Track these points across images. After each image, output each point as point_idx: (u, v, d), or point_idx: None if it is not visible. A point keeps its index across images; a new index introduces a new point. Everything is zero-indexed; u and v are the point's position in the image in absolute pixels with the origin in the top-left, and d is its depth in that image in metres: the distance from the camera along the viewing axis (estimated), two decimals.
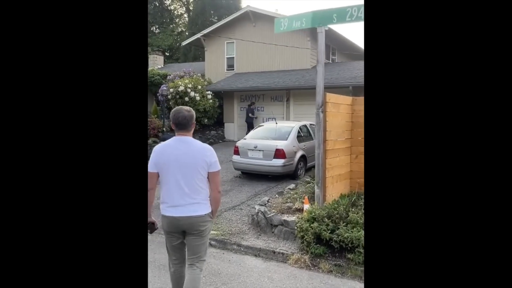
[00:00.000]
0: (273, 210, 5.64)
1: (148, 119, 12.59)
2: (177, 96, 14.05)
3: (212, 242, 4.99)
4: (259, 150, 8.30)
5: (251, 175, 8.74)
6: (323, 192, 5.09)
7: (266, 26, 15.04)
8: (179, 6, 32.74)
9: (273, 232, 5.25)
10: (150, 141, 11.60)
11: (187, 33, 26.96)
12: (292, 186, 7.20)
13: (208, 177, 2.74)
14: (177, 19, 32.76)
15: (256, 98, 14.91)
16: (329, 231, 4.35)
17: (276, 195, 6.68)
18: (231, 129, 15.60)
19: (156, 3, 30.24)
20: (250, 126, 13.77)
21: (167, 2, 31.58)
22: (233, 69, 16.40)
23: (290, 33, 14.50)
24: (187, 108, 2.78)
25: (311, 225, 4.48)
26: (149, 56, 20.99)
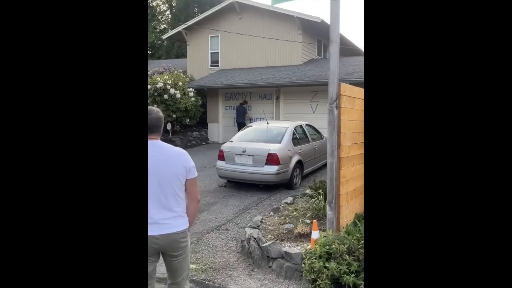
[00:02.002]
0: (269, 236, 4.35)
1: None
2: (155, 94, 12.67)
3: (190, 284, 3.65)
4: (248, 155, 7.00)
5: (238, 184, 7.41)
6: (337, 214, 3.82)
7: (253, 19, 13.85)
8: (161, 3, 31.28)
9: (270, 267, 3.95)
10: None
11: (169, 30, 25.66)
12: (289, 199, 5.92)
13: (185, 185, 2.45)
14: (160, 16, 31.29)
15: (243, 96, 13.63)
16: (353, 274, 3.08)
17: (271, 213, 5.38)
18: (215, 130, 14.32)
19: None
20: (242, 126, 12.33)
21: None
22: (218, 65, 15.08)
23: (280, 26, 13.37)
24: (155, 108, 2.54)
25: (327, 264, 3.20)
26: None
